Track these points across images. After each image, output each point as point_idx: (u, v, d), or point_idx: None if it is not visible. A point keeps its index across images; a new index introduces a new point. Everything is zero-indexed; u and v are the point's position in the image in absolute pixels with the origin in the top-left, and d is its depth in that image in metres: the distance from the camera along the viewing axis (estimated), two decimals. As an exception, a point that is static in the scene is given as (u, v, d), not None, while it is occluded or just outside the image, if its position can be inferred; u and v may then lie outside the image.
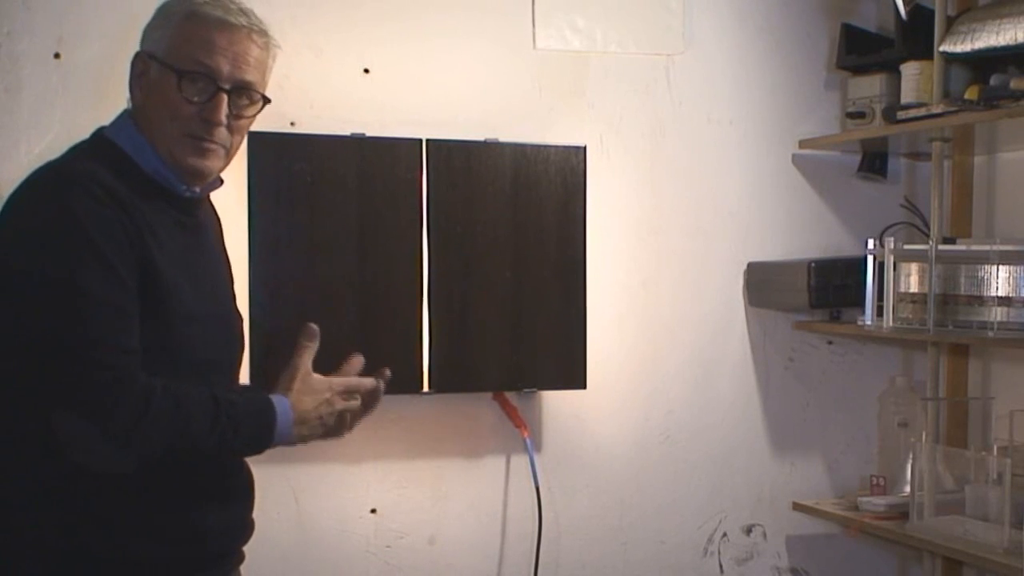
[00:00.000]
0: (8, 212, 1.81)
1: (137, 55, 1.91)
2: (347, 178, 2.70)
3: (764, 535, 3.21)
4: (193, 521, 1.85)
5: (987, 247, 2.67)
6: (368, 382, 1.99)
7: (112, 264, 1.73)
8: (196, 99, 1.85)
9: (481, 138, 2.83)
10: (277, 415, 1.85)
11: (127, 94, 1.93)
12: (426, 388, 2.75)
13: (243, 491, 1.98)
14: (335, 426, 1.96)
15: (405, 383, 2.73)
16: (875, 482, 3.01)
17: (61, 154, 1.89)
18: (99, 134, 1.91)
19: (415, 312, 2.74)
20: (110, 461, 1.72)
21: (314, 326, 1.95)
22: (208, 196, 2.02)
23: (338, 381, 1.95)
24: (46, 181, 1.80)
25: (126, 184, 1.81)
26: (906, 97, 2.94)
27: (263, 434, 1.85)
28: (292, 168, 2.65)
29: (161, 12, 1.92)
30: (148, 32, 1.92)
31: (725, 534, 3.17)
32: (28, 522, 1.74)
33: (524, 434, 2.92)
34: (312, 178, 2.68)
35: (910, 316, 2.81)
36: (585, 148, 2.87)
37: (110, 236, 1.73)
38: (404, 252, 2.73)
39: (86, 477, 1.73)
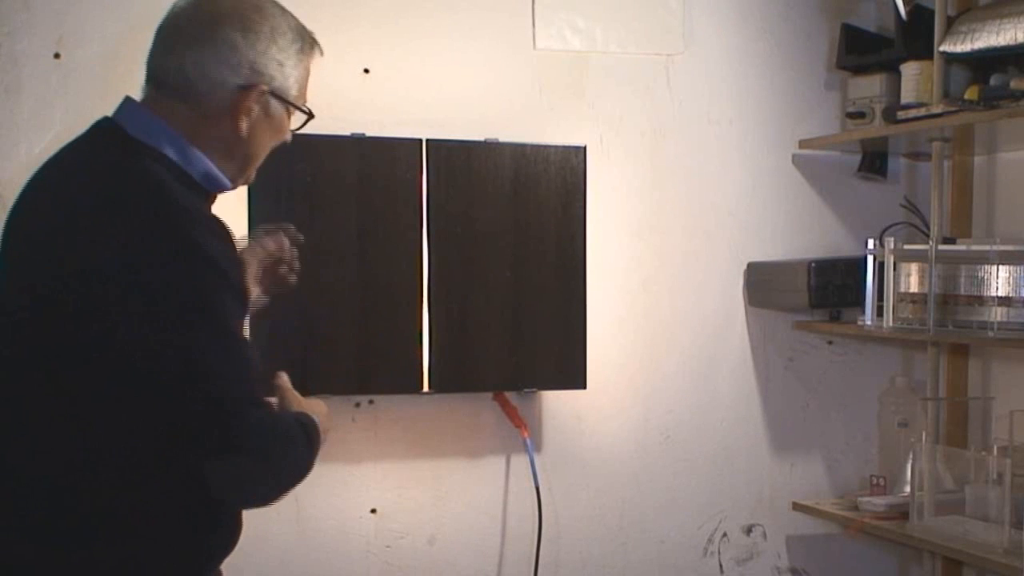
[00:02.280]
0: (108, 235, 1.62)
1: (255, 89, 1.76)
2: (347, 178, 2.70)
3: (764, 535, 3.21)
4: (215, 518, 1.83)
5: (987, 247, 2.67)
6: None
7: (244, 301, 1.70)
8: None
9: (481, 138, 2.83)
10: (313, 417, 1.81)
11: (142, 91, 1.81)
12: (426, 388, 2.75)
13: None
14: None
15: (405, 383, 2.73)
16: (875, 482, 3.01)
17: (76, 144, 1.78)
18: (124, 134, 1.75)
19: (415, 312, 2.73)
20: (263, 496, 1.69)
21: (283, 374, 1.88)
22: None
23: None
24: (145, 205, 1.64)
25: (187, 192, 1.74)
26: (906, 97, 2.94)
27: (317, 438, 1.78)
28: (292, 168, 2.64)
29: (274, 36, 1.78)
30: (261, 58, 1.76)
31: (725, 534, 3.17)
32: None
33: (524, 434, 2.92)
34: (312, 178, 2.68)
35: (910, 316, 2.80)
36: (585, 148, 2.87)
37: (236, 266, 1.70)
38: (404, 252, 2.73)
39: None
